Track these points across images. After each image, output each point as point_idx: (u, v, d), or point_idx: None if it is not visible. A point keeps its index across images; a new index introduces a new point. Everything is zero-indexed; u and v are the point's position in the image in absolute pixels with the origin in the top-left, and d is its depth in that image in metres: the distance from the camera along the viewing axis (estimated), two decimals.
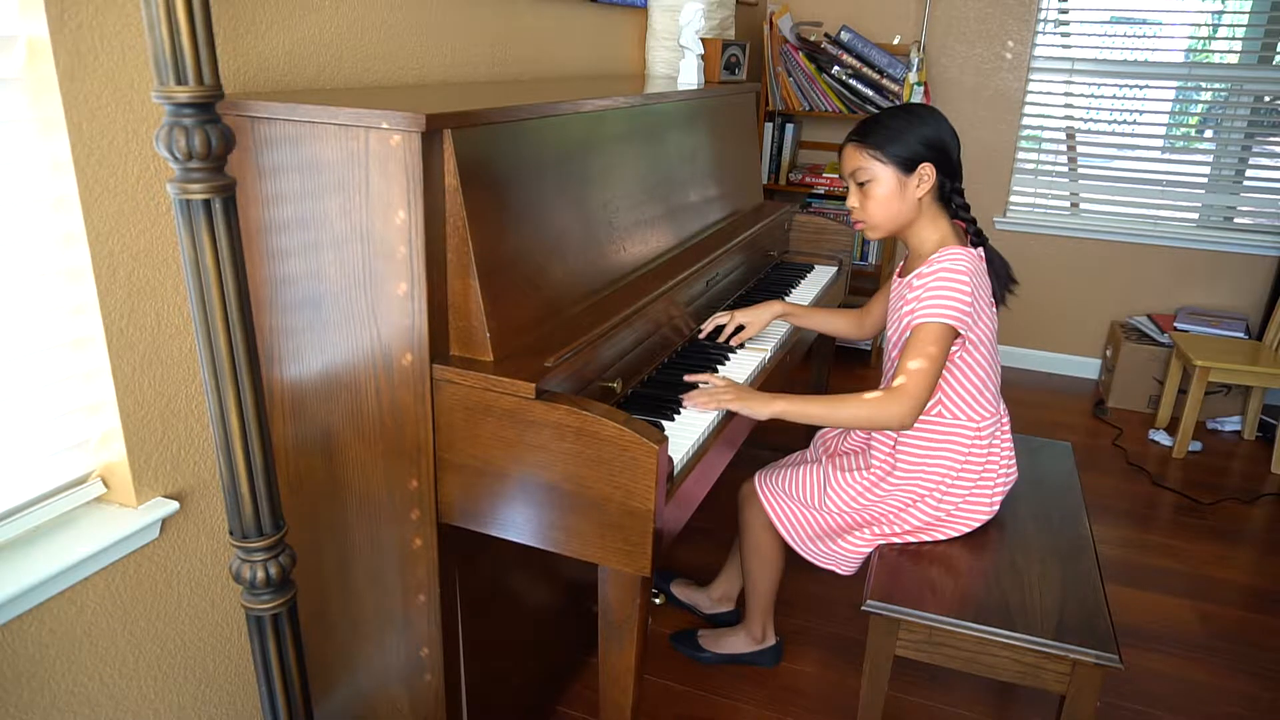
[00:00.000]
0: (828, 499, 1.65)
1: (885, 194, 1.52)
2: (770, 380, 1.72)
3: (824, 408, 1.51)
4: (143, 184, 1.18)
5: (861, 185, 1.54)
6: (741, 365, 1.68)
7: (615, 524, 1.18)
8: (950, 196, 1.55)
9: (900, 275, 1.61)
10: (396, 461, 1.27)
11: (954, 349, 1.52)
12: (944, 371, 1.53)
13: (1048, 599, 1.44)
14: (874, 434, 1.67)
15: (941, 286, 1.47)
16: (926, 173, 1.50)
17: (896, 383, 1.47)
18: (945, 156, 1.51)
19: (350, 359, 1.25)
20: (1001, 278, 1.59)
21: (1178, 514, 2.72)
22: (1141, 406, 3.45)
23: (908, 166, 1.50)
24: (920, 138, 1.49)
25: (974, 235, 1.57)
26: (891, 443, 1.62)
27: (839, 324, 1.92)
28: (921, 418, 1.57)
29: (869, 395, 1.48)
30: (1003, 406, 1.65)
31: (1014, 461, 1.67)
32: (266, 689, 1.17)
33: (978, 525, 1.61)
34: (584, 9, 2.33)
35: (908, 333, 1.50)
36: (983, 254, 1.56)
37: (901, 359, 1.49)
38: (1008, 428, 1.65)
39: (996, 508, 1.62)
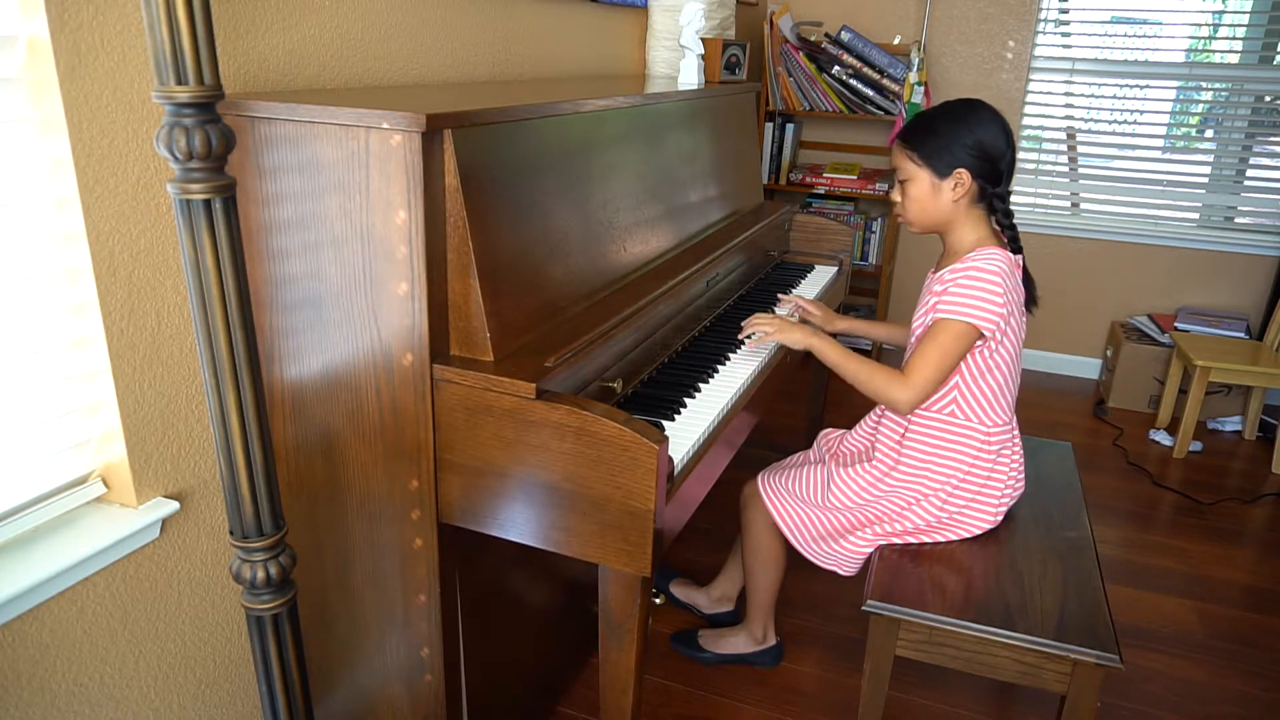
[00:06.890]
0: (831, 495, 1.65)
1: (919, 194, 1.55)
2: (769, 381, 1.72)
3: (844, 359, 1.60)
4: (143, 184, 1.18)
5: (902, 183, 1.58)
6: (738, 369, 1.68)
7: (615, 524, 1.18)
8: (992, 201, 1.54)
9: (934, 271, 1.62)
10: (397, 462, 1.27)
11: (978, 346, 1.52)
12: (963, 369, 1.53)
13: (1048, 599, 1.44)
14: (880, 431, 1.67)
15: (973, 285, 1.47)
16: (962, 178, 1.50)
17: (908, 369, 1.50)
18: (987, 163, 1.50)
19: (350, 359, 1.25)
20: (1028, 291, 1.59)
21: (1178, 514, 2.72)
22: (1142, 406, 3.45)
23: (943, 170, 1.51)
24: (961, 143, 1.49)
25: (1011, 242, 1.56)
26: (898, 438, 1.62)
27: (894, 333, 1.95)
28: (933, 415, 1.58)
29: (886, 370, 1.54)
30: (1015, 420, 1.64)
31: (1022, 475, 1.66)
32: (266, 689, 1.17)
33: (979, 532, 1.61)
34: (584, 9, 2.33)
35: (930, 321, 1.53)
36: (1019, 261, 1.55)
37: (918, 347, 1.51)
38: (1018, 441, 1.64)
39: (1000, 517, 1.62)
